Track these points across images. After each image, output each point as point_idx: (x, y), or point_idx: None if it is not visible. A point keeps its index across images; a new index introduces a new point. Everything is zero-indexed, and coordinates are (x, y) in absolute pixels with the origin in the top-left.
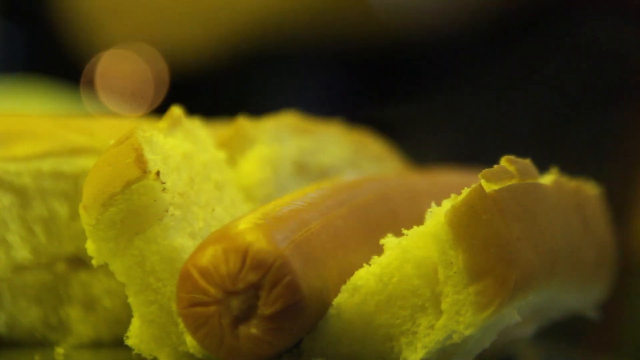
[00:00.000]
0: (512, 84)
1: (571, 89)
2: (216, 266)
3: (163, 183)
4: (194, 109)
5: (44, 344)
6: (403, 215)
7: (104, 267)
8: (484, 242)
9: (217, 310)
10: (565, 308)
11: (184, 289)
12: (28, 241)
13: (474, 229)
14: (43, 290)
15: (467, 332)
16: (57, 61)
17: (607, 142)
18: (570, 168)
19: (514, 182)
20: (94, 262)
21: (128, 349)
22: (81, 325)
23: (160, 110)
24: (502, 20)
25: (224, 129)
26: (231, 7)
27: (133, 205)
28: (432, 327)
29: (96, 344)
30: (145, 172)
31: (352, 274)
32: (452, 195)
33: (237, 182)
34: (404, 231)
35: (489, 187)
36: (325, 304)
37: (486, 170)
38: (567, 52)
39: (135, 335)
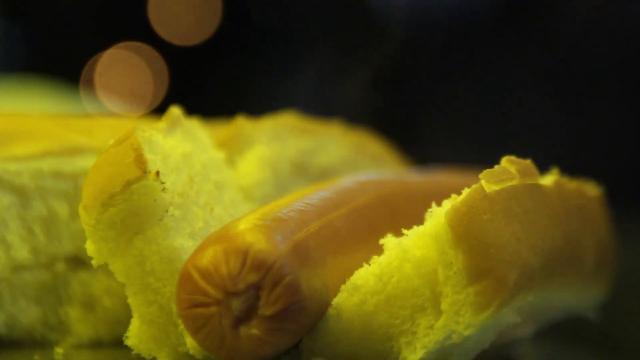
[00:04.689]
0: (513, 82)
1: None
2: (216, 267)
3: (163, 183)
4: (193, 108)
5: (44, 343)
6: (403, 216)
7: (104, 267)
8: (484, 243)
9: (218, 310)
10: (564, 309)
11: (184, 289)
12: (28, 241)
13: (474, 230)
14: (42, 290)
15: (467, 333)
16: (57, 61)
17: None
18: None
19: (514, 182)
20: (93, 262)
21: (127, 349)
22: (81, 325)
23: (159, 110)
24: (501, 19)
25: (223, 129)
26: None
27: (133, 205)
28: (431, 327)
29: (95, 344)
30: (144, 172)
31: (351, 274)
32: (452, 196)
33: (236, 182)
34: (404, 231)
35: (490, 188)
36: (325, 304)
37: (487, 171)
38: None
39: (135, 336)
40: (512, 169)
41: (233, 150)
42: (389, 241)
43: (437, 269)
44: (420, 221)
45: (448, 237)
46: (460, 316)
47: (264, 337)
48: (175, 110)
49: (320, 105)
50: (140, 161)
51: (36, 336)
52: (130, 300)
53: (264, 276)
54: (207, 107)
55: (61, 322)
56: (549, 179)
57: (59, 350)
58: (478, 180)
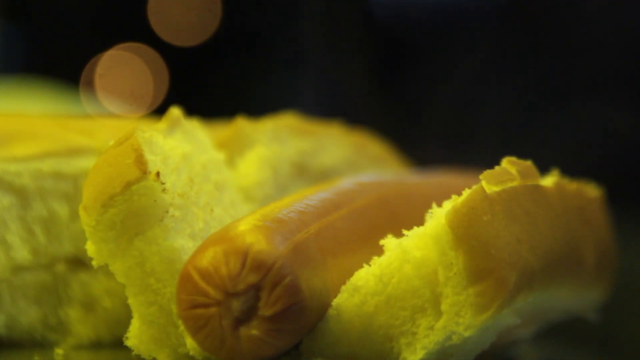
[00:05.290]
0: (513, 82)
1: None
2: (216, 268)
3: (163, 184)
4: (193, 109)
5: (44, 344)
6: (403, 217)
7: (104, 268)
8: (484, 244)
9: (218, 311)
10: (564, 310)
11: (184, 290)
12: (28, 242)
13: (475, 230)
14: (42, 290)
15: (467, 334)
16: (57, 61)
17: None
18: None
19: (515, 183)
20: (94, 263)
21: (127, 349)
22: (81, 325)
23: (159, 111)
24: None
25: (223, 130)
26: None
27: (133, 206)
28: (431, 328)
29: (95, 345)
30: (145, 172)
31: (351, 275)
32: (453, 197)
33: (236, 183)
34: (404, 232)
35: (490, 189)
36: (325, 305)
37: (487, 172)
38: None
39: (135, 336)
40: (513, 170)
41: (233, 151)
42: (389, 242)
43: (438, 269)
44: (420, 222)
45: (448, 238)
46: (460, 317)
47: (264, 338)
48: (175, 111)
49: (321, 106)
50: (140, 162)
51: (36, 337)
52: (130, 301)
53: (264, 277)
54: (207, 107)
55: (61, 323)
56: (549, 180)
57: (59, 351)
58: (478, 181)
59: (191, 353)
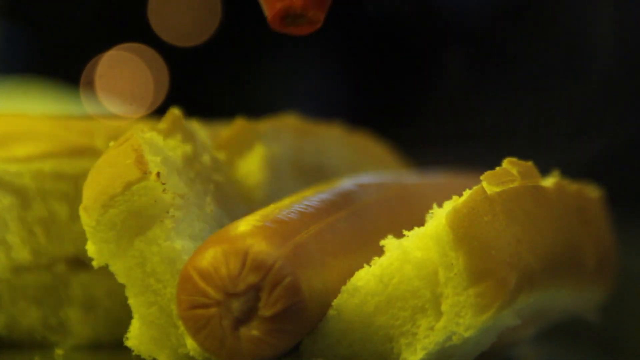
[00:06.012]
0: (515, 82)
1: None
2: (216, 268)
3: (163, 184)
4: (193, 110)
5: (44, 345)
6: (403, 218)
7: (104, 269)
8: (485, 244)
9: (218, 312)
10: (565, 311)
11: (184, 291)
12: (28, 242)
13: (475, 231)
14: (43, 291)
15: (467, 334)
16: (57, 62)
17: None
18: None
19: (515, 184)
20: (94, 263)
21: (127, 350)
22: (81, 326)
23: (159, 112)
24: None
25: (223, 130)
26: None
27: (133, 206)
28: (431, 328)
29: (96, 345)
30: (145, 173)
31: (352, 275)
32: (453, 197)
33: (236, 184)
34: (405, 232)
35: (491, 189)
36: (325, 305)
37: (488, 172)
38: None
39: (135, 337)
40: (514, 171)
41: (233, 151)
42: (389, 242)
43: (438, 270)
44: (421, 223)
45: (449, 239)
46: (460, 317)
47: (264, 338)
48: (175, 112)
49: (321, 107)
50: (140, 162)
51: (36, 337)
52: (130, 302)
53: (264, 277)
54: (207, 108)
55: (61, 324)
56: (550, 181)
57: (59, 351)
58: (479, 181)
59: (191, 354)
